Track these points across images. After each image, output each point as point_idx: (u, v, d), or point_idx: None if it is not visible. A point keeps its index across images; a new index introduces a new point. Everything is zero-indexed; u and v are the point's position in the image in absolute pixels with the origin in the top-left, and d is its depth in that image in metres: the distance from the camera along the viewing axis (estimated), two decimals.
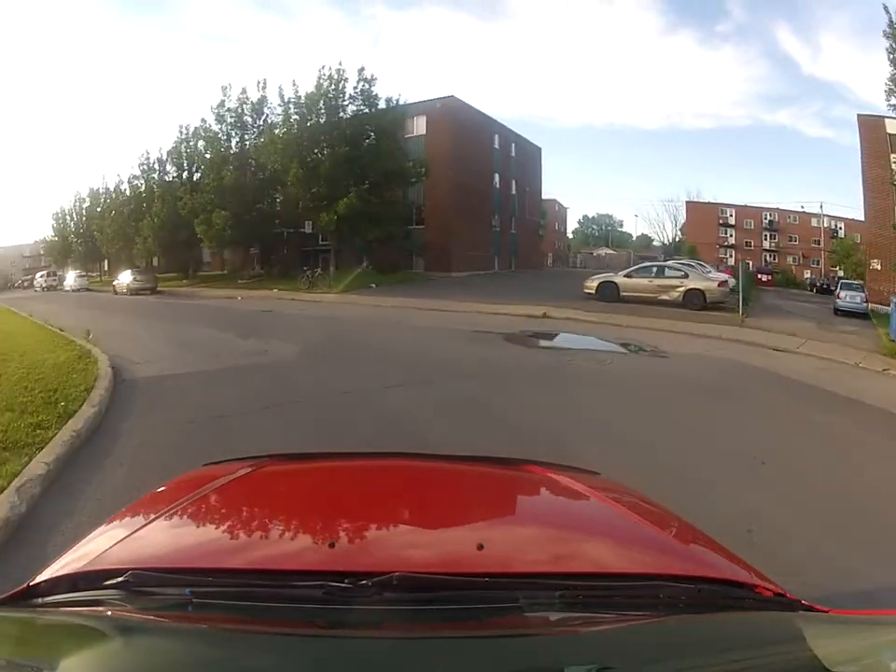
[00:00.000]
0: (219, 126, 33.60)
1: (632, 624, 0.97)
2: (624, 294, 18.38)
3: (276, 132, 29.68)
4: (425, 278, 30.99)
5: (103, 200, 46.91)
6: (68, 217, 53.76)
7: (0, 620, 0.99)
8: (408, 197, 32.76)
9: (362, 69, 28.95)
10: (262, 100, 32.98)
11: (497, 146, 40.93)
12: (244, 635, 0.90)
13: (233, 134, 33.65)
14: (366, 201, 26.64)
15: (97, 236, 45.13)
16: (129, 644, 0.86)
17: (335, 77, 28.54)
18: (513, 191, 43.46)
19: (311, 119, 28.38)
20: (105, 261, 46.62)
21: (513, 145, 43.64)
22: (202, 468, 1.80)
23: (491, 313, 16.26)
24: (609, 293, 18.67)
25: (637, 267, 20.18)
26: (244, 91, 33.45)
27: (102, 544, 1.17)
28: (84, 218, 49.82)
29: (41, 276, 49.30)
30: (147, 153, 40.19)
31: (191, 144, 35.82)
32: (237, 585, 0.98)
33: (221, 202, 30.94)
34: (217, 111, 33.39)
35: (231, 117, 33.41)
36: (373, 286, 25.90)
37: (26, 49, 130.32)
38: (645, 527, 1.35)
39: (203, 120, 34.88)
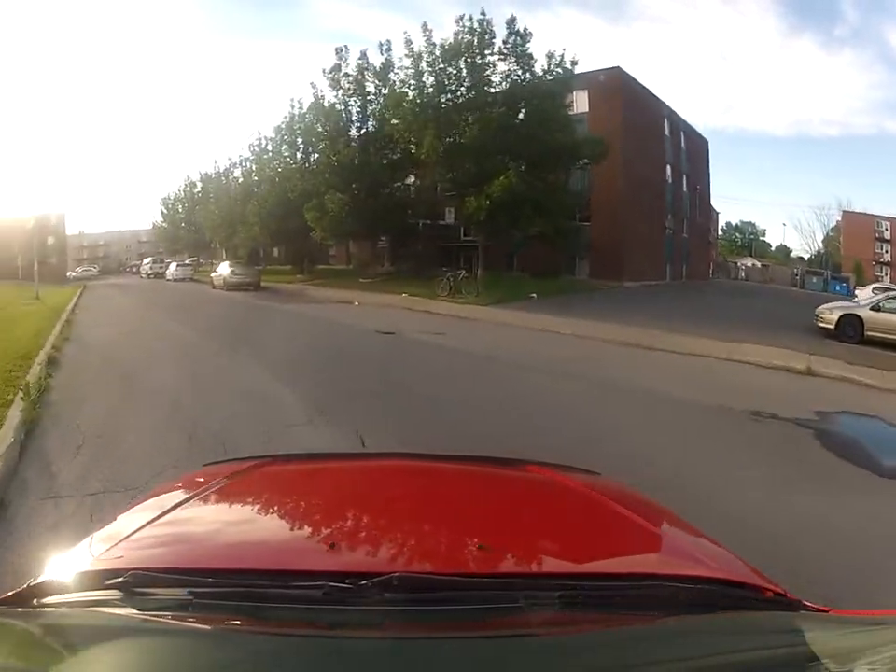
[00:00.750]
0: (335, 93, 27.44)
1: (632, 624, 0.97)
2: (870, 333, 13.98)
3: (406, 92, 23.20)
4: (590, 288, 24.09)
5: (214, 184, 42.88)
6: (178, 204, 50.54)
7: (0, 620, 0.98)
8: (568, 185, 25.56)
9: (513, 20, 22.06)
10: (387, 65, 25.90)
11: (667, 132, 33.20)
12: (244, 635, 0.89)
13: (352, 103, 27.36)
14: (528, 183, 19.78)
15: (203, 223, 41.07)
16: (129, 644, 0.85)
17: (477, 28, 21.92)
18: (684, 188, 35.49)
19: (449, 83, 21.67)
20: (224, 251, 42.25)
21: (682, 133, 35.93)
22: (202, 468, 1.79)
23: (724, 358, 10.84)
24: (851, 330, 14.25)
25: (883, 297, 15.22)
26: (363, 56, 26.93)
27: (102, 544, 1.17)
28: (195, 205, 46.10)
29: (147, 263, 46.58)
30: (260, 133, 35.26)
31: (305, 118, 30.03)
32: (237, 585, 0.96)
33: (338, 183, 25.08)
34: (331, 76, 27.14)
35: (348, 83, 26.95)
36: (533, 296, 19.41)
37: (148, 33, 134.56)
38: (645, 527, 1.36)
39: (314, 86, 28.53)
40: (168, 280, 37.41)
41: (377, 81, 26.58)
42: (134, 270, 53.88)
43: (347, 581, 0.93)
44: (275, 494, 1.55)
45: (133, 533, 1.18)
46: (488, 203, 19.83)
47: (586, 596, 0.98)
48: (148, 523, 1.23)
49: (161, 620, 0.90)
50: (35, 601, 1.01)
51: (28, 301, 19.68)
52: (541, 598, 0.96)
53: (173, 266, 39.11)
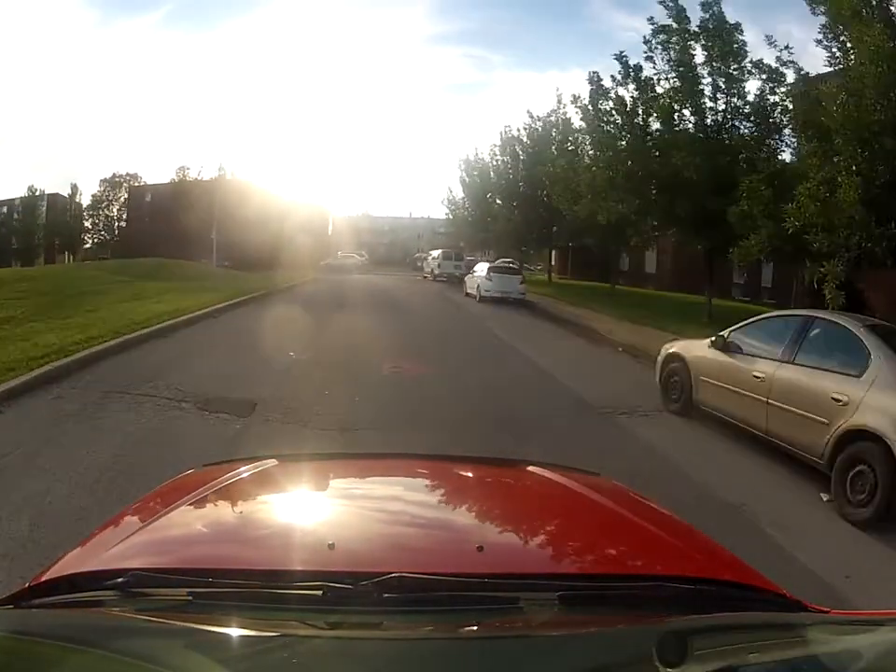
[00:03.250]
0: None
1: (632, 624, 0.97)
2: None
3: None
4: None
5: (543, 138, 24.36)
6: (476, 175, 31.49)
7: (0, 620, 0.97)
8: None
9: None
10: None
11: None
12: (244, 636, 0.87)
13: None
14: None
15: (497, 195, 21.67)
16: (129, 645, 0.84)
17: None
18: None
19: None
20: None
21: None
22: (202, 468, 1.76)
23: None
24: None
25: None
26: None
27: (102, 545, 1.16)
28: (517, 170, 27.55)
29: (435, 257, 30.19)
30: (628, 55, 13.95)
31: None
32: (237, 586, 0.96)
33: None
34: None
35: None
36: None
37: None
38: (645, 528, 1.34)
39: None
40: (469, 294, 19.96)
41: None
42: (420, 263, 39.02)
43: (347, 581, 0.92)
44: (275, 494, 1.54)
45: (132, 533, 1.17)
46: None
47: (586, 596, 0.98)
48: (148, 523, 1.22)
49: (161, 620, 0.89)
50: (35, 601, 1.00)
51: None
52: (541, 598, 0.95)
53: (482, 269, 20.62)
